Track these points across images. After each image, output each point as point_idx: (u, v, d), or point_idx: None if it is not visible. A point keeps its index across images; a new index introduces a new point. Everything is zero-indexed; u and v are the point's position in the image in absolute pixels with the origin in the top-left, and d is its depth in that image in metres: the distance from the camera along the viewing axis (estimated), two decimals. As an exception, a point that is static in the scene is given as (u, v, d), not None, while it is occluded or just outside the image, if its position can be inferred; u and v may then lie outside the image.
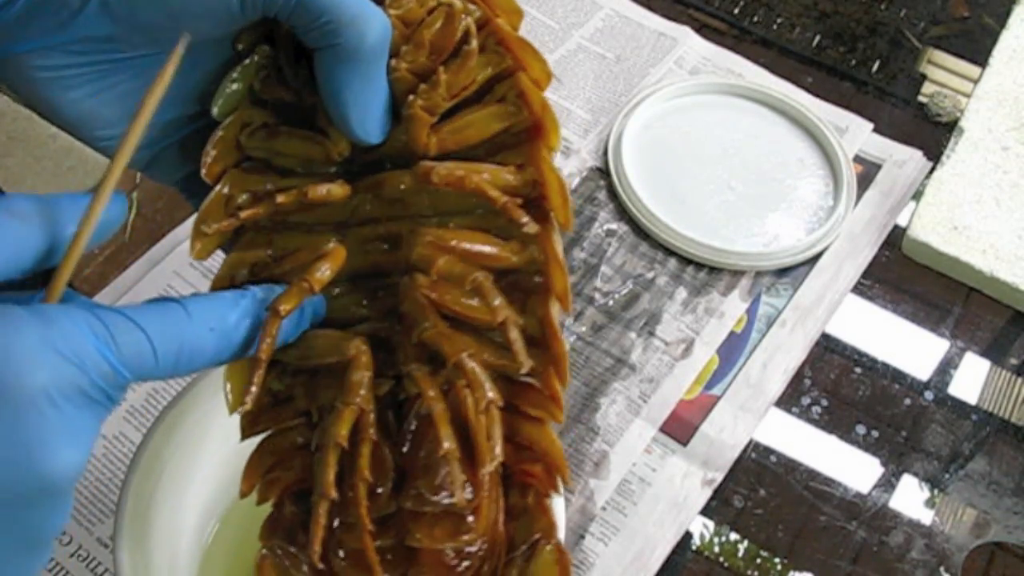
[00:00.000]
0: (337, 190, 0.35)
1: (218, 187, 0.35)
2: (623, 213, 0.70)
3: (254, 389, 0.32)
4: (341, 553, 0.35)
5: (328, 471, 0.32)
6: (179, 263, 0.66)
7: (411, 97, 0.35)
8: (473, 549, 0.34)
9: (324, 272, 0.34)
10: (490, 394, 0.33)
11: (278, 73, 0.36)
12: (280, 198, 0.34)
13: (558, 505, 0.39)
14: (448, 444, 0.32)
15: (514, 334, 0.34)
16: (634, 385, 0.62)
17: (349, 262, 0.36)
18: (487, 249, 0.35)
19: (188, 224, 0.68)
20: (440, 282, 0.35)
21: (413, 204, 0.36)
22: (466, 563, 0.35)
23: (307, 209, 0.36)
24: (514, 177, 0.36)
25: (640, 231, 0.69)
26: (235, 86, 0.36)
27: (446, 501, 0.33)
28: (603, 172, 0.72)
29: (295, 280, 0.33)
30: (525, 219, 0.34)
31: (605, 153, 0.73)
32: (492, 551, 0.35)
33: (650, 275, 0.68)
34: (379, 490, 0.34)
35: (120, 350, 0.27)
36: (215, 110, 0.35)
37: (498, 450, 0.33)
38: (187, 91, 0.35)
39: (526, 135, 0.36)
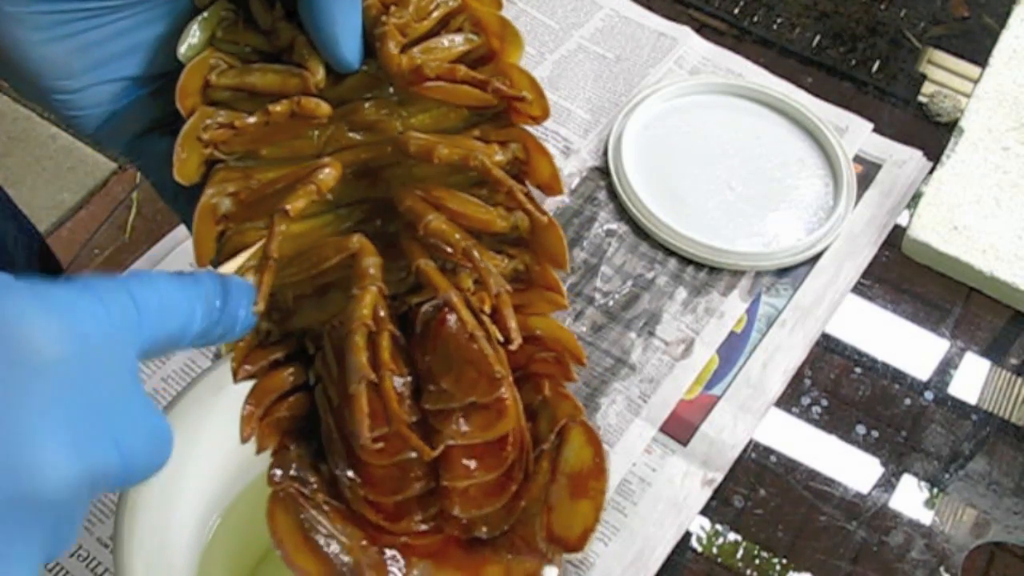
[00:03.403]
0: (325, 106, 0.35)
1: (196, 114, 0.35)
2: (623, 213, 0.70)
3: (264, 289, 0.32)
4: (351, 474, 0.34)
5: (360, 354, 0.32)
6: (179, 263, 0.66)
7: (384, 18, 0.36)
8: (505, 449, 0.34)
9: (327, 175, 0.34)
10: (499, 283, 0.34)
11: (244, 21, 0.36)
12: (275, 108, 0.34)
13: None
14: (471, 322, 0.32)
15: (522, 196, 0.35)
16: (634, 385, 0.62)
17: (334, 188, 0.36)
18: (477, 148, 0.36)
19: (188, 224, 0.68)
20: (433, 186, 0.36)
21: (386, 129, 0.37)
22: (497, 458, 0.34)
23: (281, 140, 0.36)
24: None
25: (640, 231, 0.69)
26: (198, 36, 0.36)
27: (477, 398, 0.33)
28: (603, 172, 0.72)
29: (299, 184, 0.34)
30: (517, 93, 0.36)
31: (605, 153, 0.73)
32: (521, 449, 0.34)
33: (650, 275, 0.68)
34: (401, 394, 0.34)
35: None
36: (181, 51, 0.36)
37: (515, 334, 0.33)
38: (149, 45, 0.35)
39: (489, 57, 0.37)
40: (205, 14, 0.36)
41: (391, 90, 0.37)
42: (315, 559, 0.33)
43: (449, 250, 0.35)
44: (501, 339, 0.34)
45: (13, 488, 0.23)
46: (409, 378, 0.34)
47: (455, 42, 0.37)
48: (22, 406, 0.24)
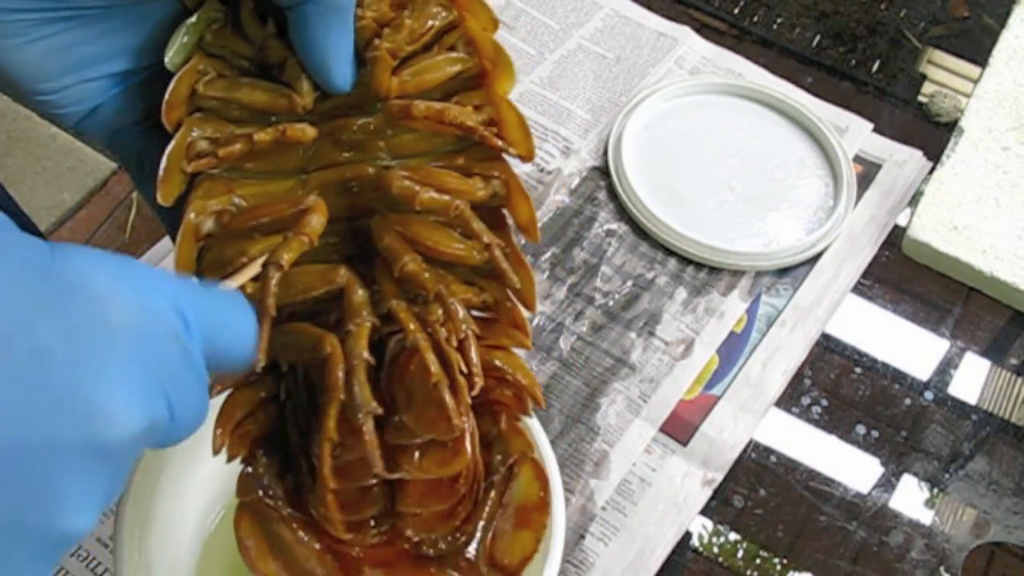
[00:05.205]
0: (310, 130, 0.35)
1: (181, 131, 0.35)
2: (623, 213, 0.70)
3: (263, 344, 0.32)
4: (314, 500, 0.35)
5: (365, 389, 0.33)
6: (179, 263, 0.66)
7: (376, 40, 0.35)
8: (458, 482, 0.35)
9: (316, 224, 0.34)
10: (467, 324, 0.34)
11: (235, 28, 0.36)
12: (259, 135, 0.34)
13: (557, 503, 0.39)
14: (436, 370, 0.33)
15: (498, 253, 0.35)
16: (634, 385, 0.62)
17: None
18: (458, 184, 0.36)
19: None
20: (411, 219, 0.36)
21: (371, 148, 0.37)
22: (450, 491, 0.35)
23: (266, 156, 0.36)
24: (473, 117, 0.36)
25: (640, 231, 0.69)
26: (187, 38, 0.35)
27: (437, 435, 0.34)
28: (603, 172, 0.72)
29: (290, 234, 0.34)
30: (502, 143, 0.36)
31: (605, 153, 0.73)
32: (473, 478, 0.36)
33: (650, 275, 0.68)
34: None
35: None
36: (168, 59, 0.35)
37: (478, 377, 0.34)
38: (133, 45, 0.35)
39: (480, 80, 0.37)
40: (194, 18, 0.35)
41: (379, 106, 0.37)
42: (277, 566, 0.35)
43: (422, 292, 0.35)
44: (465, 371, 0.34)
45: (91, 436, 0.24)
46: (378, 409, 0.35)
47: (446, 70, 0.36)
48: (101, 354, 0.24)
